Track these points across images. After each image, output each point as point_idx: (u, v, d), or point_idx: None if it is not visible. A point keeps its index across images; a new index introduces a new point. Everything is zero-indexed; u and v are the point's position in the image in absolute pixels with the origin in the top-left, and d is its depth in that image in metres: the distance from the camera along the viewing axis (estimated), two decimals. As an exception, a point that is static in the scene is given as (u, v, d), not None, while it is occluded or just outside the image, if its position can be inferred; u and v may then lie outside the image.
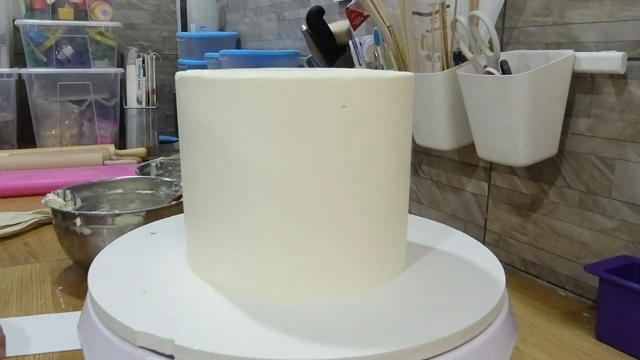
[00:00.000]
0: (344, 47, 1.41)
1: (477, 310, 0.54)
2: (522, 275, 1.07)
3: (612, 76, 0.87)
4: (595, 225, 0.92)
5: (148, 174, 1.52)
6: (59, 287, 0.98)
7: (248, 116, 0.53)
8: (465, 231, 1.19)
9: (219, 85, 0.54)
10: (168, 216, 0.87)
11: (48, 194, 1.05)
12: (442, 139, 1.10)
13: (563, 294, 0.99)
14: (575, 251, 0.96)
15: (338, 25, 1.46)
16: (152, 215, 0.95)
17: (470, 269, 0.65)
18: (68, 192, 1.11)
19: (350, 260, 0.58)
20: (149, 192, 1.23)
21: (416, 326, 0.51)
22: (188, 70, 0.58)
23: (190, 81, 0.57)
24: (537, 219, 1.03)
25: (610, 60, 0.85)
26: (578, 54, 0.89)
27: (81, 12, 2.18)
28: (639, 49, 0.84)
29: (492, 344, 0.53)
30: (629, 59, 0.84)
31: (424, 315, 0.54)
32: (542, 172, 1.01)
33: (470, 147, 1.10)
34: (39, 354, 0.75)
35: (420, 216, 0.84)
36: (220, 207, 0.57)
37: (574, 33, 0.92)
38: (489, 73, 0.94)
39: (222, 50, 1.87)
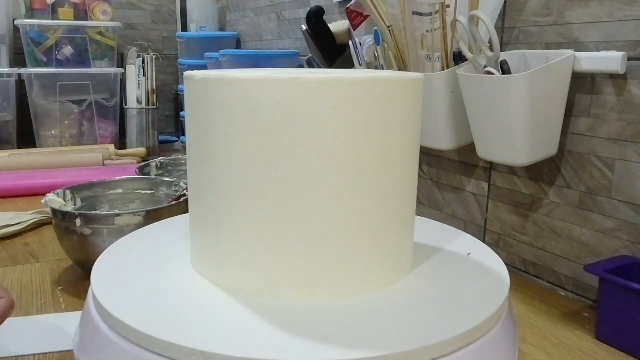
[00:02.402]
0: (344, 47, 1.40)
1: (479, 314, 0.54)
2: (522, 275, 1.07)
3: (612, 76, 0.87)
4: (595, 225, 0.92)
5: (148, 174, 1.51)
6: (59, 287, 0.98)
7: (256, 117, 0.53)
8: (465, 231, 1.18)
9: (228, 85, 0.54)
10: (168, 216, 0.87)
11: (48, 194, 1.05)
12: (442, 139, 1.10)
13: (563, 294, 0.98)
14: (576, 251, 0.96)
15: (338, 25, 1.46)
16: (152, 216, 0.94)
17: (475, 272, 0.65)
18: (68, 192, 1.10)
19: (357, 263, 0.57)
20: (149, 192, 1.23)
21: (420, 329, 0.51)
22: (196, 71, 0.58)
23: (200, 80, 0.57)
24: (537, 219, 1.03)
25: (610, 60, 0.85)
26: (578, 54, 0.89)
27: (81, 12, 2.17)
28: (639, 49, 0.84)
29: (492, 347, 0.53)
30: (629, 59, 0.84)
31: (428, 317, 0.54)
32: (542, 172, 1.00)
33: (470, 147, 1.10)
34: (39, 354, 0.75)
35: (420, 216, 0.83)
36: (225, 208, 0.57)
37: (574, 33, 0.92)
38: (489, 73, 0.94)
39: (222, 51, 1.86)
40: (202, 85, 0.56)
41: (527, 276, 1.06)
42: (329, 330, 0.51)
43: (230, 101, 0.54)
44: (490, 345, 0.53)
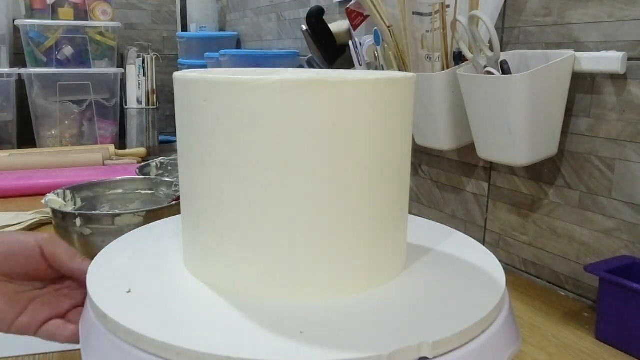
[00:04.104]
0: (344, 47, 1.40)
1: (476, 312, 0.53)
2: (522, 275, 1.07)
3: (612, 76, 0.87)
4: (596, 225, 0.92)
5: (148, 174, 1.52)
6: (59, 287, 0.97)
7: (247, 117, 0.52)
8: (465, 231, 1.18)
9: (217, 85, 0.53)
10: (168, 216, 0.86)
11: (48, 194, 1.05)
12: (442, 139, 1.10)
13: (563, 294, 0.98)
14: (575, 251, 0.96)
15: (338, 25, 1.46)
16: (152, 216, 0.95)
17: (469, 270, 0.64)
18: (68, 192, 1.11)
19: (348, 262, 0.57)
20: (149, 192, 1.24)
21: (413, 328, 0.51)
22: (185, 70, 0.57)
23: (188, 81, 0.56)
24: (537, 219, 1.03)
25: (610, 60, 0.85)
26: (578, 54, 0.89)
27: (81, 12, 2.17)
28: (639, 49, 0.84)
29: (491, 346, 0.52)
30: (629, 59, 0.84)
31: (421, 317, 0.53)
32: (542, 172, 1.00)
33: (470, 147, 1.09)
34: (39, 354, 0.75)
35: (420, 216, 0.83)
36: (214, 209, 0.56)
37: (574, 33, 0.92)
38: (489, 73, 0.94)
39: (222, 51, 1.85)
40: (188, 86, 0.56)
41: (527, 276, 1.06)
42: (321, 330, 0.50)
43: (218, 102, 0.54)
44: (488, 344, 0.52)
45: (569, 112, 0.94)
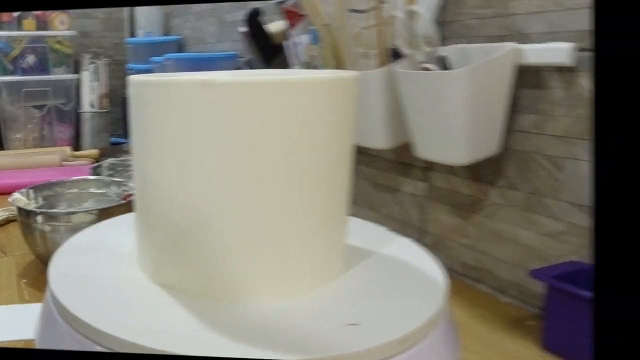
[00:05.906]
0: (282, 47, 1.29)
1: (415, 318, 0.48)
2: (463, 279, 0.92)
3: (560, 69, 0.72)
4: (542, 228, 0.77)
5: (100, 174, 1.48)
6: (24, 280, 0.96)
7: (193, 119, 0.49)
8: (402, 233, 1.03)
9: (169, 88, 0.50)
10: (119, 214, 0.82)
11: (14, 193, 1.06)
12: (378, 138, 0.98)
13: (506, 300, 0.84)
14: (520, 255, 0.81)
15: (276, 25, 1.35)
16: (104, 214, 0.94)
17: (410, 274, 0.58)
18: (31, 191, 1.10)
19: (286, 265, 0.53)
20: (101, 191, 1.23)
21: (348, 334, 0.46)
22: (140, 75, 0.55)
23: (143, 85, 0.53)
24: (478, 221, 0.88)
25: (557, 52, 0.71)
26: (523, 46, 0.74)
27: (42, 23, 2.14)
28: (588, 39, 0.67)
29: (430, 353, 0.48)
30: (580, 50, 0.68)
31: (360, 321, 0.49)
32: (484, 171, 0.86)
33: (408, 146, 0.95)
34: (5, 341, 0.75)
35: (355, 217, 0.69)
36: (162, 210, 0.53)
37: (518, 24, 0.76)
38: (426, 69, 0.81)
39: (166, 55, 1.79)
40: (141, 88, 0.53)
41: (467, 281, 0.91)
42: (252, 334, 0.46)
43: (172, 104, 0.50)
44: (427, 351, 0.47)
45: (514, 108, 0.79)
